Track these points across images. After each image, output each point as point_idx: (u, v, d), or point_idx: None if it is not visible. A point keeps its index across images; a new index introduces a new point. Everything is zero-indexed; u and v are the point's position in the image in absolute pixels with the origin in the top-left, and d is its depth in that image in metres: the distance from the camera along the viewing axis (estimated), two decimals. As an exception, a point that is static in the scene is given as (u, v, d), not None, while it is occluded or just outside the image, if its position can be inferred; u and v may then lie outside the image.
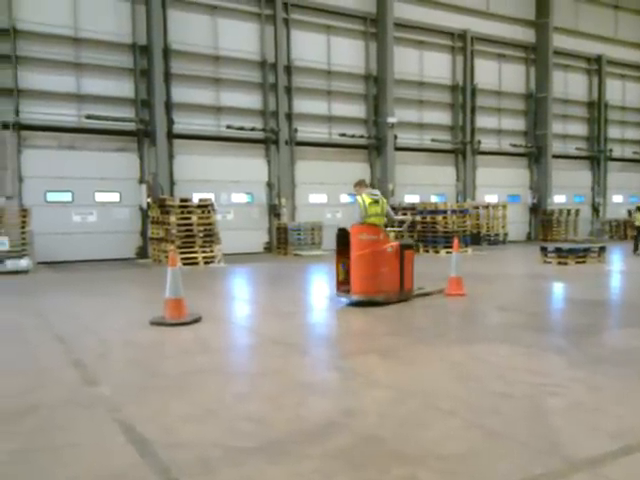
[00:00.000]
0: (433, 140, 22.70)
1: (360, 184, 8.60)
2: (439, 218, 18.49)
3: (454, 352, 5.43)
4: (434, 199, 22.34)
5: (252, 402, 4.12)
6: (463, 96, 23.34)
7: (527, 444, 3.25)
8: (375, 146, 21.40)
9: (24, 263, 13.53)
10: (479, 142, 23.81)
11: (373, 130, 21.33)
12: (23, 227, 14.47)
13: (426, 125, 22.70)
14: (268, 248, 19.47)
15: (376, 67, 21.18)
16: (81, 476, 2.97)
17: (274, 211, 19.39)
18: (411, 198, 21.99)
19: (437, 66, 22.79)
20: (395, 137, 21.24)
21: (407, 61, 21.84)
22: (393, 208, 20.22)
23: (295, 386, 4.50)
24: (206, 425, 3.65)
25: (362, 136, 21.14)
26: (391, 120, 20.88)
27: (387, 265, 7.97)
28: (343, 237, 8.29)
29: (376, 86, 21.26)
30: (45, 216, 15.66)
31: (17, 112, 15.50)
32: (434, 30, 22.42)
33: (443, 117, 23.24)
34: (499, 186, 24.65)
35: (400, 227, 10.64)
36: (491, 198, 24.11)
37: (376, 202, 8.25)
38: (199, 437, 3.43)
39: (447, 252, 17.08)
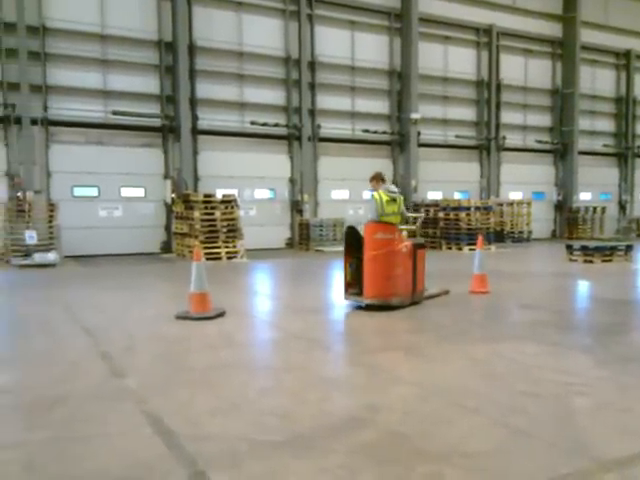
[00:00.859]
0: (457, 136, 22.52)
1: (376, 178, 8.03)
2: (462, 215, 18.35)
3: (478, 350, 5.39)
4: (457, 196, 22.17)
5: (276, 396, 4.15)
6: (488, 91, 23.10)
7: (554, 444, 3.23)
8: (398, 142, 21.30)
9: (52, 257, 13.78)
10: (504, 138, 23.55)
11: (396, 126, 21.23)
12: (51, 221, 14.76)
13: (450, 121, 22.52)
14: (290, 244, 19.53)
15: (400, 62, 21.07)
16: (110, 466, 3.02)
17: (296, 207, 19.44)
18: (434, 195, 21.85)
19: (462, 61, 22.58)
20: (418, 133, 21.12)
21: (431, 56, 21.68)
22: (415, 205, 20.40)
23: (318, 381, 4.52)
24: (231, 418, 3.69)
25: (385, 132, 21.05)
26: (415, 116, 20.75)
27: (401, 266, 7.52)
28: (352, 236, 7.81)
29: (400, 82, 21.15)
30: (72, 211, 15.93)
31: (45, 108, 15.77)
32: (459, 25, 22.21)
33: (467, 113, 23.03)
34: (524, 183, 24.36)
35: (414, 224, 10.19)
36: (515, 195, 23.84)
37: (394, 200, 7.82)
38: (225, 430, 3.47)
39: (470, 249, 16.97)
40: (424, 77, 21.35)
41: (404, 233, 8.13)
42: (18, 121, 15.29)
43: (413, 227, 9.82)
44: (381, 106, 21.16)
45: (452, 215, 18.60)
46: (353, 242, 7.71)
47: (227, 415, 3.74)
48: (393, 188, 8.00)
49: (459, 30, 22.33)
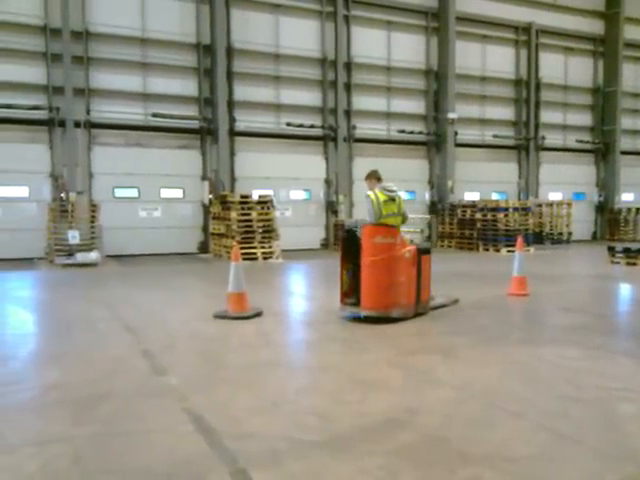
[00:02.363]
0: (495, 136, 22.19)
1: (371, 177, 7.33)
2: (500, 216, 18.06)
3: (518, 353, 5.32)
4: (495, 196, 21.85)
5: (315, 396, 4.17)
6: (527, 90, 22.69)
7: (599, 449, 3.16)
8: (434, 142, 21.12)
9: (93, 256, 14.12)
10: (543, 138, 23.10)
11: (433, 126, 21.05)
12: (93, 222, 15.12)
13: (488, 121, 22.20)
14: (325, 245, 19.56)
15: (437, 62, 20.88)
16: (153, 462, 3.09)
17: (331, 208, 19.46)
18: (471, 195, 21.59)
19: (500, 60, 22.24)
20: (455, 133, 20.89)
21: (469, 55, 21.42)
22: (452, 206, 20.20)
23: (356, 382, 4.52)
24: (271, 417, 3.73)
25: (421, 132, 20.89)
26: (452, 116, 20.54)
27: (404, 273, 6.81)
28: (350, 240, 7.03)
29: (436, 81, 20.97)
30: (113, 211, 16.29)
31: (88, 111, 16.17)
32: (497, 24, 21.88)
33: (506, 112, 22.67)
34: (564, 183, 23.84)
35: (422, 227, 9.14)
36: (555, 196, 23.35)
37: (392, 200, 7.08)
38: (265, 429, 3.51)
39: (508, 251, 16.71)
40: (461, 76, 21.11)
41: (407, 237, 7.51)
42: (62, 124, 15.71)
43: (417, 230, 8.82)
44: (417, 106, 21.02)
45: (490, 216, 18.33)
46: (351, 247, 6.98)
47: (266, 414, 3.79)
48: (391, 186, 7.18)
49: (497, 29, 22.00)
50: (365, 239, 6.80)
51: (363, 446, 3.23)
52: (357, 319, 6.82)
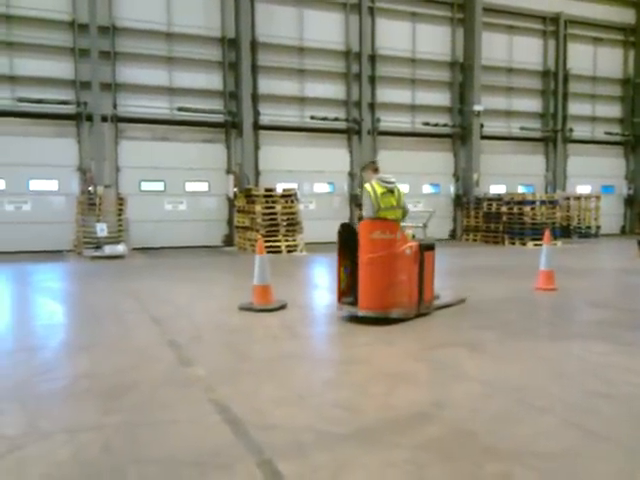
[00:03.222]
0: (522, 128, 21.87)
1: (368, 168, 6.98)
2: (527, 209, 17.83)
3: (546, 348, 5.25)
4: (521, 189, 21.57)
5: (340, 389, 4.18)
6: (555, 82, 22.31)
7: (630, 447, 3.11)
8: (460, 135, 20.91)
9: (120, 248, 14.34)
10: (571, 130, 22.69)
11: (458, 118, 20.84)
12: (120, 215, 15.34)
13: (514, 113, 21.89)
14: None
15: (462, 54, 20.65)
16: (181, 451, 3.12)
17: (355, 201, 19.41)
18: (497, 188, 21.34)
19: (527, 51, 21.88)
20: (481, 125, 20.64)
21: (495, 47, 21.12)
22: (478, 199, 19.99)
23: (382, 375, 4.52)
24: (297, 409, 3.74)
25: (446, 125, 20.69)
26: (477, 108, 20.31)
27: (405, 272, 6.37)
28: (347, 234, 6.67)
29: (462, 73, 20.74)
30: (139, 204, 16.49)
31: (115, 105, 16.36)
32: (525, 14, 21.52)
33: (533, 104, 22.32)
34: (592, 176, 23.40)
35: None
36: (583, 189, 22.96)
37: (390, 192, 6.57)
38: (290, 421, 3.53)
39: (535, 245, 16.50)
40: (487, 68, 20.83)
41: (409, 232, 7.07)
42: (89, 118, 15.94)
43: (419, 225, 7.69)
44: (442, 98, 20.82)
45: (516, 209, 18.10)
46: (349, 242, 6.59)
47: (292, 405, 3.80)
48: (389, 177, 6.67)
49: (524, 19, 21.64)
50: (362, 235, 6.36)
51: (390, 439, 3.22)
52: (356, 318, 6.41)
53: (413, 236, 7.18)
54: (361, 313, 6.35)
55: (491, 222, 18.88)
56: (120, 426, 3.48)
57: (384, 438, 3.24)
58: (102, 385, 4.26)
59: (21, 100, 15.35)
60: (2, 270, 12.02)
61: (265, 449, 3.12)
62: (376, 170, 6.83)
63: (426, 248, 6.75)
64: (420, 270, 6.58)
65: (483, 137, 20.78)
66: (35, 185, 15.81)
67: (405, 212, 6.76)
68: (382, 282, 6.29)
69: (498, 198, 19.22)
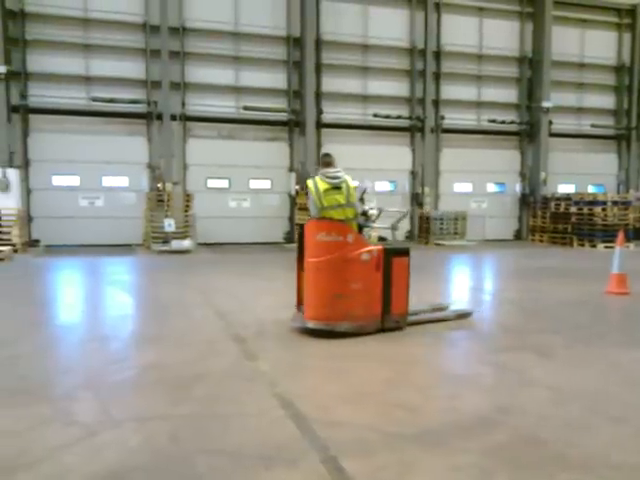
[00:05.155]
0: (593, 125, 20.97)
1: (320, 161, 6.24)
2: (597, 210, 17.11)
3: (618, 354, 5.03)
4: (591, 189, 20.71)
5: (404, 389, 4.14)
6: (630, 77, 21.25)
7: None
8: (527, 132, 20.29)
9: (187, 244, 14.75)
10: (647, 127, 21.61)
11: (525, 115, 20.22)
12: (187, 211, 15.77)
13: (585, 109, 21.01)
14: (409, 237, 19.32)
15: (531, 49, 20.01)
16: (246, 444, 3.18)
17: (416, 200, 19.19)
18: (565, 188, 20.59)
19: (600, 45, 20.93)
20: (550, 122, 19.95)
21: (566, 41, 20.32)
22: (545, 199, 19.34)
23: (446, 377, 4.46)
24: (360, 407, 3.74)
25: (513, 122, 20.12)
26: (546, 104, 19.64)
27: (360, 280, 5.62)
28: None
29: (531, 69, 20.10)
30: (205, 201, 16.90)
31: (183, 104, 16.82)
32: (598, 6, 20.61)
33: (605, 100, 21.36)
34: (669, 176, 22.20)
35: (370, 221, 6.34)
36: (659, 189, 21.81)
37: (336, 188, 5.79)
38: (354, 419, 3.53)
39: (605, 247, 15.85)
40: (557, 63, 20.08)
41: (373, 234, 6.41)
42: (159, 117, 16.45)
43: (385, 226, 6.59)
44: (509, 95, 20.25)
45: (586, 210, 17.40)
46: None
47: (355, 404, 3.80)
48: (334, 172, 5.87)
49: (598, 12, 20.72)
50: (307, 237, 5.76)
51: (455, 442, 3.18)
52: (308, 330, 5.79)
53: (383, 239, 6.44)
54: (308, 324, 5.70)
55: (559, 223, 18.25)
56: (187, 417, 3.58)
57: (449, 441, 3.19)
58: (170, 376, 4.40)
59: (95, 100, 16.02)
60: (76, 262, 12.62)
61: (330, 446, 3.14)
62: (326, 164, 5.97)
63: (395, 253, 5.85)
64: (386, 278, 5.74)
65: (552, 134, 20.08)
66: (107, 181, 16.48)
67: (357, 211, 5.91)
68: (328, 290, 5.61)
69: (567, 198, 18.54)
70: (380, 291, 5.72)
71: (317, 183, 5.82)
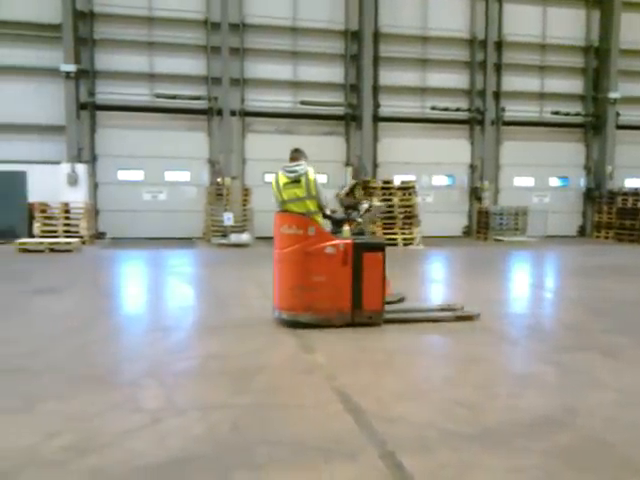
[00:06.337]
0: (665, 117, 19.99)
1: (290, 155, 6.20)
2: (669, 205, 16.34)
3: (692, 358, 4.81)
4: (663, 183, 19.77)
5: (463, 387, 4.09)
6: None
7: None
8: (593, 124, 19.53)
9: (245, 237, 15.01)
10: None
11: (591, 107, 19.47)
12: (245, 205, 16.05)
13: (656, 100, 20.06)
14: (467, 232, 19.00)
15: (598, 37, 19.22)
16: (306, 436, 3.22)
17: (475, 194, 18.81)
18: (634, 182, 19.70)
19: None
20: (617, 114, 19.15)
21: (636, 28, 19.41)
22: (612, 193, 18.56)
23: (507, 376, 4.38)
24: (418, 404, 3.72)
25: (578, 114, 19.42)
26: (613, 95, 18.85)
27: (324, 273, 5.68)
28: None
29: (597, 58, 19.33)
30: (262, 195, 17.05)
31: (242, 100, 17.09)
32: (673, -10, 19.60)
33: (678, 90, 20.31)
34: None
35: (346, 217, 6.65)
36: None
37: (295, 182, 5.92)
38: (412, 415, 3.52)
39: (678, 244, 15.11)
40: (626, 52, 19.23)
41: (346, 229, 6.32)
42: (219, 113, 16.78)
43: (357, 218, 6.67)
44: (573, 85, 19.54)
45: (656, 205, 16.65)
46: None
47: (414, 400, 3.79)
48: (293, 166, 6.00)
49: (673, -4, 19.71)
50: (274, 229, 6.07)
51: (517, 442, 3.12)
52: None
53: (361, 232, 6.44)
54: (278, 314, 5.90)
55: (626, 219, 17.51)
56: (248, 407, 3.66)
57: (511, 441, 3.13)
58: (231, 366, 4.50)
59: (158, 96, 16.49)
60: (140, 255, 13.07)
61: (388, 441, 3.13)
62: (292, 159, 6.10)
63: (367, 249, 5.80)
64: (355, 273, 5.72)
65: (619, 127, 19.28)
66: (170, 176, 16.96)
67: (321, 203, 5.95)
68: (290, 281, 5.80)
69: (635, 193, 17.76)
70: (349, 286, 5.73)
71: (278, 178, 6.01)
